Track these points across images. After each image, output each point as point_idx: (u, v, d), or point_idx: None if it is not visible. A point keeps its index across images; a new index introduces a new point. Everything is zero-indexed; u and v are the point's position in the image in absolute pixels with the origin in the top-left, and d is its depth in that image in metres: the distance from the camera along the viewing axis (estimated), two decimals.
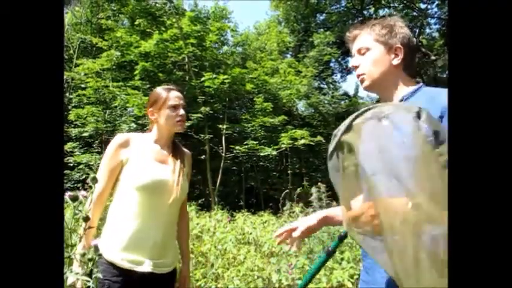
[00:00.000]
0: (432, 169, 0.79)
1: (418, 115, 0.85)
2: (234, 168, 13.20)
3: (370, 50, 1.17)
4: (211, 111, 9.67)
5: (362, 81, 1.20)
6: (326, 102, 14.47)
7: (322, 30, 16.03)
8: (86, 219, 1.14)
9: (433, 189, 0.76)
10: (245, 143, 9.55)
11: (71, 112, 9.15)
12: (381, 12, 15.16)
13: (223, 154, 9.81)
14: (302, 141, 9.38)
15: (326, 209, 1.34)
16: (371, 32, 1.18)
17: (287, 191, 4.54)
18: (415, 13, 15.48)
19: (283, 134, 9.85)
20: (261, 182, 13.48)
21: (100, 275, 1.20)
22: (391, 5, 15.37)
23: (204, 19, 11.26)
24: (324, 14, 16.84)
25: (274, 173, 14.61)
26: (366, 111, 0.90)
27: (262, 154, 9.57)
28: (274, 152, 9.74)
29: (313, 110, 14.75)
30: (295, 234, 1.27)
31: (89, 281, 0.99)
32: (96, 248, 1.24)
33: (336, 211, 1.29)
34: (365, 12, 15.41)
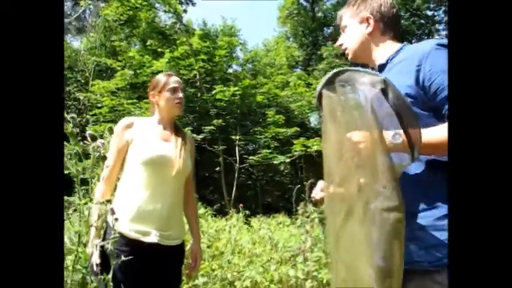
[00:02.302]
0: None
1: (384, 91, 0.93)
2: (249, 182, 13.22)
3: (347, 26, 1.32)
4: (223, 123, 9.81)
5: (347, 55, 1.34)
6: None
7: (330, 43, 16.22)
8: (104, 158, 1.23)
9: None
10: (258, 152, 9.61)
11: (88, 128, 9.42)
12: None
13: (237, 165, 9.86)
14: (315, 148, 9.37)
15: None
16: (347, 11, 1.33)
17: (299, 186, 4.52)
18: (422, 20, 15.56)
19: (295, 141, 9.88)
20: (277, 197, 13.47)
21: (113, 239, 1.27)
22: None
23: (213, 37, 11.59)
24: (331, 27, 17.07)
25: (290, 186, 14.58)
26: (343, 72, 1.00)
27: (276, 162, 9.59)
28: (288, 160, 9.75)
29: None
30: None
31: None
32: (113, 211, 1.31)
33: None
34: None
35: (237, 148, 10.06)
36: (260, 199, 13.26)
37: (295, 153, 9.82)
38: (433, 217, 1.03)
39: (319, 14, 17.01)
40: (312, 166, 14.15)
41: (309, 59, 16.79)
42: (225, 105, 10.01)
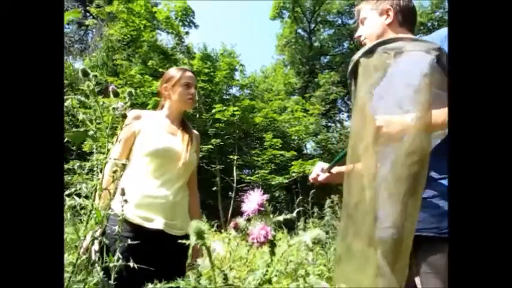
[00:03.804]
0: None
1: (438, 58, 0.93)
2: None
3: (367, 18, 1.39)
4: (221, 143, 9.80)
5: (364, 45, 1.39)
6: (334, 139, 14.60)
7: (326, 71, 16.60)
8: (124, 116, 1.22)
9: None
10: (256, 172, 9.56)
11: (85, 144, 9.32)
12: None
13: (235, 185, 9.76)
14: None
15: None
16: (367, 4, 1.41)
17: (300, 197, 4.48)
18: None
19: (294, 162, 9.86)
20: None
21: (111, 231, 1.22)
22: None
23: (214, 60, 11.81)
24: (328, 56, 17.53)
25: (287, 213, 14.41)
26: (389, 42, 1.00)
27: (273, 183, 9.52)
28: (286, 181, 9.69)
29: (321, 151, 14.82)
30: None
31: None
32: (123, 191, 1.27)
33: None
34: None
35: (234, 168, 10.00)
36: None
37: (293, 174, 9.77)
38: (446, 185, 1.04)
39: (316, 44, 17.52)
40: (308, 192, 13.99)
41: (306, 86, 17.10)
42: (223, 125, 10.05)
